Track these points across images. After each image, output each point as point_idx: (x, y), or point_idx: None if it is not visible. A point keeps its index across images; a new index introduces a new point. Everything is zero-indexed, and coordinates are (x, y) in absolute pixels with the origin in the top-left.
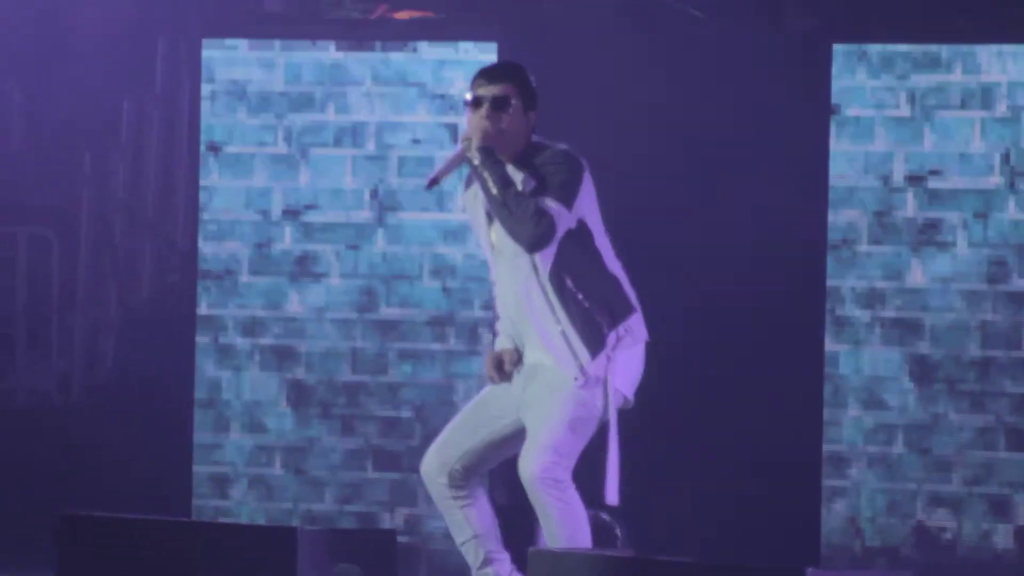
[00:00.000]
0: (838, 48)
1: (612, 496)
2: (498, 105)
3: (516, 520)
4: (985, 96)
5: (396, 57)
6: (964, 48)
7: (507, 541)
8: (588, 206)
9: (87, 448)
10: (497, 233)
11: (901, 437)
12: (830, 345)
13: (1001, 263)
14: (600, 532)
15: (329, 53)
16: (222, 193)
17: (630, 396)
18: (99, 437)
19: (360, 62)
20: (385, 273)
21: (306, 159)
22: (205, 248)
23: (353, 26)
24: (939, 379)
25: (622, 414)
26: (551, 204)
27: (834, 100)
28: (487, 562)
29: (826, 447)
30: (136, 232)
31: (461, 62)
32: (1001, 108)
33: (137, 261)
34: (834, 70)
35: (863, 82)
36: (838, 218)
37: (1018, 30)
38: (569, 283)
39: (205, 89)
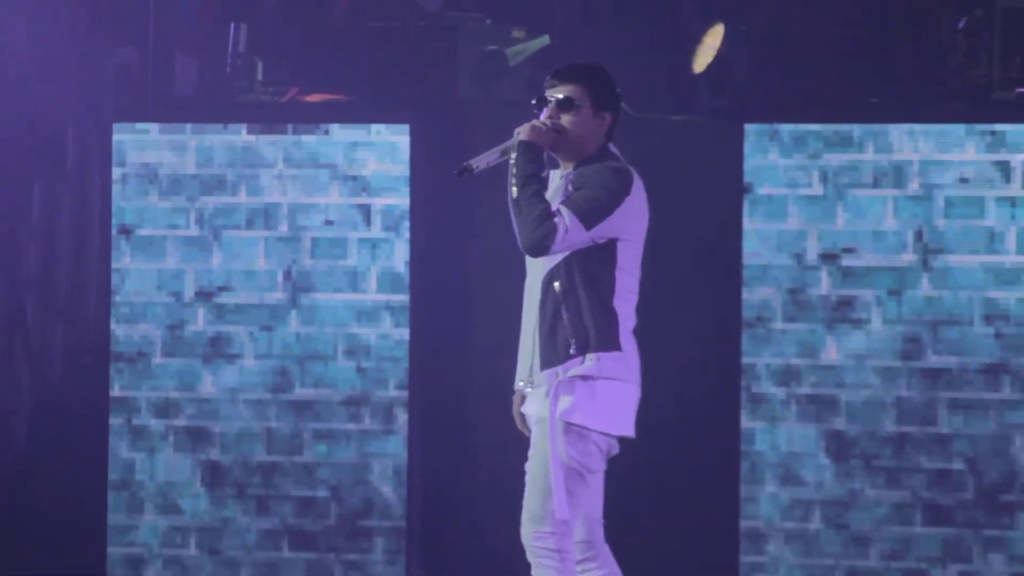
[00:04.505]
0: (750, 128)
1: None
2: (563, 106)
3: None
4: (897, 174)
5: (308, 139)
6: (876, 127)
7: None
8: (627, 230)
9: (0, 530)
10: None
11: (818, 513)
12: (746, 422)
13: (915, 340)
14: None
15: (241, 136)
16: (134, 275)
17: (608, 430)
18: (12, 519)
19: (272, 144)
20: (299, 353)
21: (218, 241)
22: (118, 330)
23: (264, 109)
24: (855, 455)
25: None
26: (566, 215)
27: (746, 179)
28: None
29: (743, 523)
30: (47, 314)
31: (372, 144)
32: (913, 186)
33: (49, 343)
34: (746, 149)
35: (775, 161)
36: (752, 296)
37: (929, 109)
38: (557, 290)
39: (116, 172)
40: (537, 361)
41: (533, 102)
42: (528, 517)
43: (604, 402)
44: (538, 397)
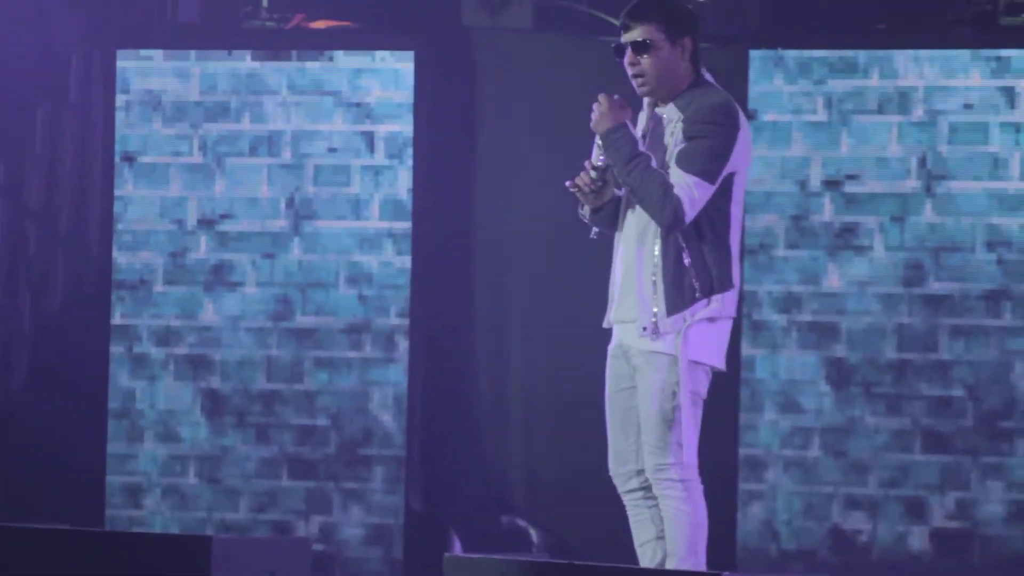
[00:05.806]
0: (755, 54)
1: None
2: (639, 49)
3: (431, 526)
4: (902, 100)
5: (312, 66)
6: (881, 53)
7: (422, 547)
8: (741, 162)
9: (0, 458)
10: None
11: (817, 440)
12: (747, 349)
13: (917, 266)
14: (515, 537)
15: (245, 63)
16: (137, 203)
17: (719, 365)
18: (12, 447)
19: (276, 71)
20: (301, 281)
21: (221, 168)
22: (119, 258)
23: (269, 36)
24: (855, 382)
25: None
26: (689, 181)
27: (751, 105)
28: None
29: (742, 451)
30: (50, 242)
31: (377, 70)
32: (918, 112)
33: (51, 271)
34: (751, 75)
35: (780, 87)
36: (755, 223)
37: (934, 35)
38: (678, 236)
39: (120, 99)
40: (663, 307)
41: (612, 47)
42: (649, 451)
43: (719, 338)
44: (642, 330)
